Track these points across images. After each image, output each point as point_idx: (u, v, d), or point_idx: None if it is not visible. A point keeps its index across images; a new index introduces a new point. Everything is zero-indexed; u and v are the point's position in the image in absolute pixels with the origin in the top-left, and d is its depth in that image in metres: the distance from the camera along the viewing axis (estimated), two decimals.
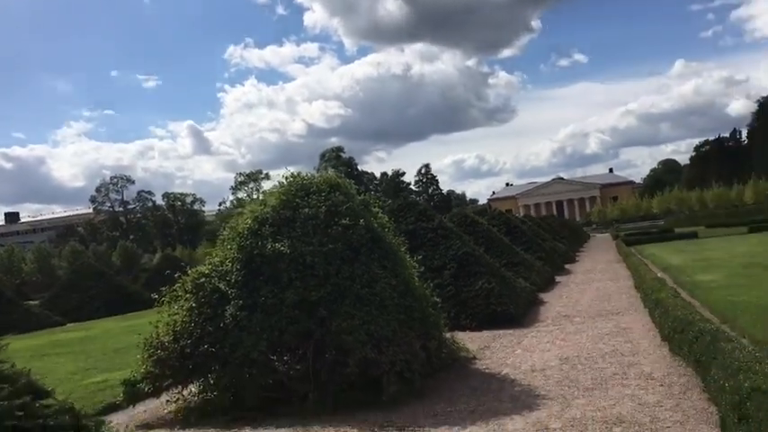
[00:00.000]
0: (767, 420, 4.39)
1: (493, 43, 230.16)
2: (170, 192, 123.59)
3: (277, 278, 8.37)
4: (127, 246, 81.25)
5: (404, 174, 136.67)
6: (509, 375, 8.89)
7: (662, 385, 7.49)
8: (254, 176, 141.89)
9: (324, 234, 8.70)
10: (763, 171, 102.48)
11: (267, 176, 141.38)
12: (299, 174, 9.77)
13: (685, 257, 24.99)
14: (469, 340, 11.61)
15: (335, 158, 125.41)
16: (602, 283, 19.42)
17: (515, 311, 13.62)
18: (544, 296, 17.45)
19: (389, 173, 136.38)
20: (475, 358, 10.25)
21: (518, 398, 7.73)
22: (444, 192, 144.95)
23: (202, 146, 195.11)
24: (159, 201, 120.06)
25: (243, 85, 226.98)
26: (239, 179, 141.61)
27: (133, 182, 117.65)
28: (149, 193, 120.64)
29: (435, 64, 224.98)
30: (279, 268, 8.39)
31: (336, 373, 8.03)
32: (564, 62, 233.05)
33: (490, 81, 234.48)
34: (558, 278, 22.52)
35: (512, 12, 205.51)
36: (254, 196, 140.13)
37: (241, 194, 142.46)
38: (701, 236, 40.35)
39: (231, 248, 8.87)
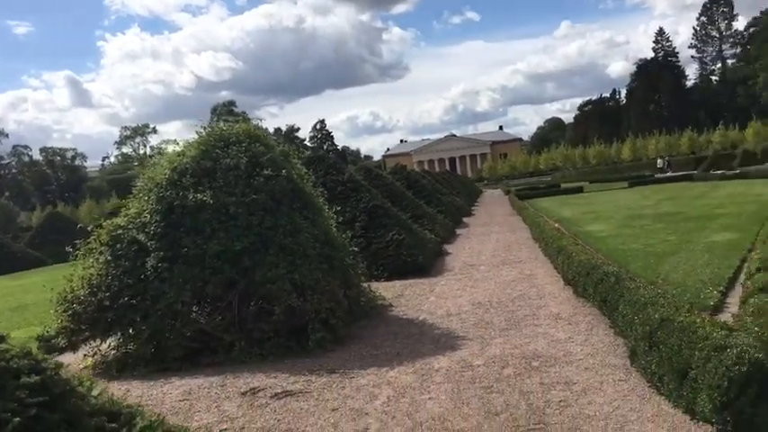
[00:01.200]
0: (676, 345, 4.91)
1: None
2: (48, 146, 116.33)
3: (199, 229, 8.28)
4: (2, 203, 76.28)
5: (298, 129, 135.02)
6: (427, 320, 9.27)
7: (570, 324, 8.09)
8: (140, 131, 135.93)
9: (246, 185, 8.65)
10: (639, 130, 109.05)
11: (154, 131, 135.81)
12: (216, 124, 9.60)
13: (575, 210, 26.49)
14: (384, 289, 11.94)
15: (228, 113, 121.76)
16: (502, 235, 20.30)
17: (424, 262, 14.09)
18: (448, 247, 18.08)
19: (283, 128, 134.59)
20: (391, 306, 10.59)
21: (439, 340, 8.12)
22: (339, 148, 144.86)
23: (82, 98, 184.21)
24: (36, 156, 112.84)
25: (125, 33, 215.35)
26: (124, 133, 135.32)
27: (6, 135, 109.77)
28: (25, 147, 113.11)
29: (328, 17, 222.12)
30: (201, 219, 8.30)
31: (262, 322, 8.12)
32: (456, 19, 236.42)
33: (384, 36, 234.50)
34: (458, 231, 23.30)
35: None
36: (141, 151, 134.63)
37: (126, 149, 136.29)
38: (587, 190, 42.71)
39: (149, 200, 8.65)
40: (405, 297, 11.33)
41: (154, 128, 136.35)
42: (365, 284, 10.74)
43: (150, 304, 7.95)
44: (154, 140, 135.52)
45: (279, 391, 6.69)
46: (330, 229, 9.74)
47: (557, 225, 15.53)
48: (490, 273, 13.01)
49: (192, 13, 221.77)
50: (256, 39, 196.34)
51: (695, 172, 46.28)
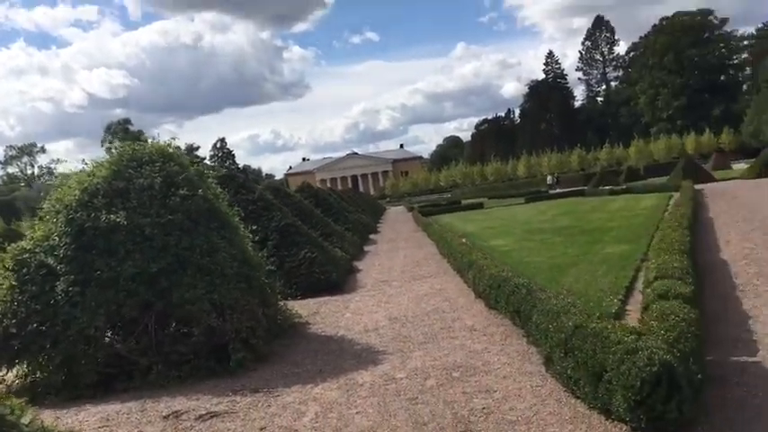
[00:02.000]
0: (591, 350, 5.28)
1: (286, 16, 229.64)
2: None
3: (113, 251, 8.04)
4: None
5: (198, 148, 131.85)
6: (346, 336, 9.38)
7: (485, 335, 8.43)
8: (26, 150, 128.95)
9: (161, 205, 8.49)
10: (532, 147, 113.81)
11: (43, 150, 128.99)
12: (126, 144, 9.37)
13: (477, 225, 27.36)
14: (299, 307, 11.93)
15: (123, 131, 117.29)
16: (409, 251, 20.71)
17: (338, 279, 14.20)
18: (359, 264, 18.27)
19: (182, 147, 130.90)
20: (308, 323, 10.63)
21: (360, 355, 8.25)
22: (240, 166, 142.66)
23: None
24: None
25: (9, 48, 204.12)
26: (10, 153, 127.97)
27: None
28: None
29: (227, 35, 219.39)
30: (114, 240, 8.06)
31: (180, 344, 7.98)
32: (356, 39, 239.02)
33: (284, 55, 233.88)
34: (366, 248, 23.55)
35: None
36: (29, 171, 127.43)
37: (12, 169, 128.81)
38: (486, 206, 44.14)
39: (57, 221, 8.31)
40: (321, 314, 11.39)
41: (42, 147, 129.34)
42: (281, 303, 10.72)
43: (61, 330, 7.64)
44: (42, 160, 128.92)
45: (203, 412, 6.61)
46: (247, 248, 9.69)
47: (464, 240, 16.04)
48: (402, 288, 13.28)
49: (82, 28, 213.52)
50: (152, 55, 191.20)
51: (586, 188, 48.76)
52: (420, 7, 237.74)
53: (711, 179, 40.07)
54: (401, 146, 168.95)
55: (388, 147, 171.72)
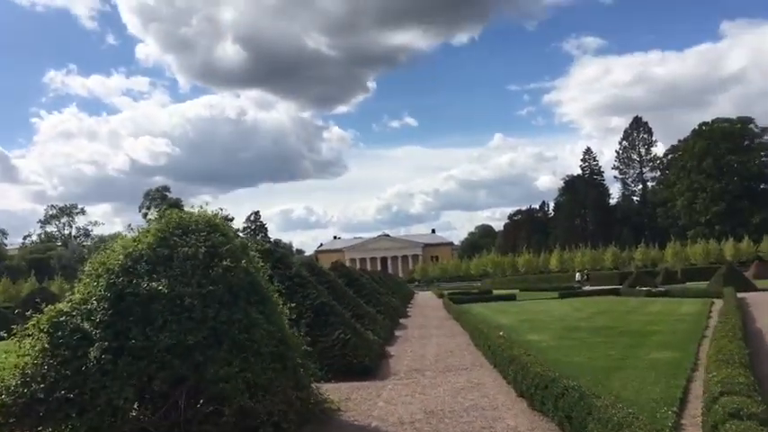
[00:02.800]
0: None
1: (329, 98, 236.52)
2: None
3: (150, 319, 7.82)
4: None
5: (232, 219, 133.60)
6: (380, 428, 8.90)
7: None
8: (67, 210, 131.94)
9: (203, 275, 8.31)
10: (565, 242, 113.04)
11: (83, 211, 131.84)
12: (174, 211, 9.31)
13: (511, 318, 26.70)
14: (330, 391, 11.49)
15: (161, 198, 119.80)
16: (441, 339, 20.15)
17: (370, 363, 13.75)
18: (390, 349, 17.76)
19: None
20: (339, 410, 10.16)
21: None
22: (272, 240, 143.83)
23: (8, 173, 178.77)
24: None
25: (61, 112, 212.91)
26: (50, 212, 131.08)
27: None
28: None
29: (270, 112, 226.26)
30: (153, 309, 7.85)
31: (209, 423, 7.61)
32: (395, 124, 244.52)
33: (324, 135, 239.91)
34: (396, 332, 23.02)
35: (349, 70, 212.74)
36: (66, 231, 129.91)
37: (51, 228, 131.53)
38: (519, 298, 43.32)
39: (98, 285, 8.15)
40: (353, 401, 10.91)
41: (82, 208, 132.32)
42: (313, 386, 10.30)
43: (89, 399, 7.34)
44: (81, 221, 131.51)
45: None
46: (284, 325, 9.41)
47: (501, 333, 15.52)
48: (437, 379, 12.75)
49: (133, 98, 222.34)
50: (196, 126, 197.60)
51: (620, 287, 47.71)
52: (459, 97, 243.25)
53: (753, 288, 38.90)
54: (433, 231, 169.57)
55: (420, 231, 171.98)
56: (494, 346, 13.51)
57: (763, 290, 39.04)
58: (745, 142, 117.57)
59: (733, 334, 12.05)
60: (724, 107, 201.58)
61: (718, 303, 29.68)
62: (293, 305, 14.12)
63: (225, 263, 8.49)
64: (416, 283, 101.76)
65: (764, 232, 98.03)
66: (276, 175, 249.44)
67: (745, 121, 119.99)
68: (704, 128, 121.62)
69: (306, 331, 13.62)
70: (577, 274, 74.78)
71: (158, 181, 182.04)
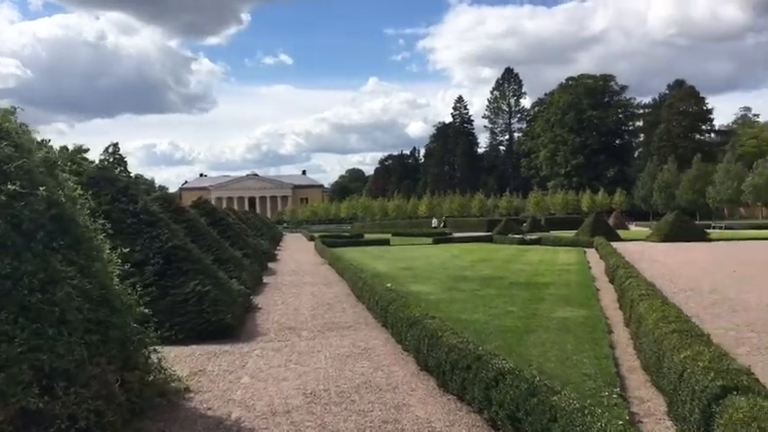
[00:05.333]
0: None
1: (199, 27, 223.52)
2: None
3: None
4: None
5: (87, 150, 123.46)
6: (243, 422, 6.48)
7: None
8: None
9: None
10: (434, 188, 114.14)
11: None
12: None
13: (389, 264, 24.93)
14: (179, 359, 8.96)
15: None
16: (317, 288, 17.92)
17: (233, 321, 11.22)
18: (258, 300, 15.27)
19: (70, 147, 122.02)
20: (188, 390, 7.64)
21: None
22: (132, 176, 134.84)
23: None
24: None
25: None
26: None
27: None
28: None
29: (133, 38, 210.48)
30: None
31: None
32: (269, 60, 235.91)
33: (192, 66, 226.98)
34: (265, 279, 20.53)
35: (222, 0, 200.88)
36: None
37: None
38: (392, 243, 41.89)
39: None
40: (207, 374, 8.41)
41: None
42: (154, 356, 7.63)
43: None
44: None
45: None
46: (110, 280, 6.67)
47: (390, 285, 13.48)
48: (316, 341, 10.48)
49: None
50: (50, 48, 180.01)
51: (491, 234, 47.63)
52: (336, 39, 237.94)
53: (617, 238, 39.68)
54: (303, 172, 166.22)
55: (290, 172, 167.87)
56: (383, 302, 11.38)
57: (630, 239, 40.04)
58: (606, 99, 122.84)
59: (652, 292, 10.62)
60: (587, 65, 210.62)
61: (590, 252, 29.65)
62: (138, 248, 11.38)
63: (12, 186, 5.59)
64: (285, 224, 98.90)
65: (618, 185, 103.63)
66: (139, 107, 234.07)
67: (607, 79, 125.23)
68: (570, 83, 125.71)
69: (153, 281, 10.90)
70: (434, 220, 75.02)
71: (5, 105, 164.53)
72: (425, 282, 18.40)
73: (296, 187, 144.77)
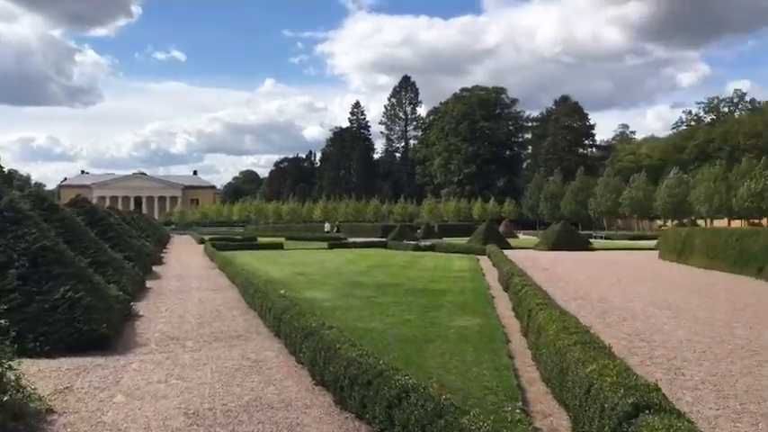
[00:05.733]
0: None
1: (84, 17, 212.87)
2: None
3: None
4: None
5: None
6: None
7: None
8: None
9: None
10: (330, 192, 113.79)
11: None
12: None
13: (283, 269, 24.19)
14: (42, 375, 7.98)
15: None
16: (205, 294, 16.97)
17: (108, 331, 10.22)
18: (139, 307, 14.17)
19: None
20: (51, 411, 6.74)
21: None
22: (6, 171, 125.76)
23: None
24: None
25: None
26: None
27: None
28: None
29: (12, 25, 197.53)
30: None
31: None
32: (160, 56, 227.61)
33: (76, 58, 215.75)
34: (148, 283, 19.28)
35: None
36: None
37: None
38: (286, 247, 41.01)
39: None
40: (74, 392, 7.49)
41: None
42: (11, 373, 6.67)
43: None
44: None
45: None
46: None
47: (283, 292, 12.83)
48: (202, 353, 9.71)
49: None
50: None
51: (385, 239, 47.70)
52: (232, 37, 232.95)
53: (508, 246, 40.68)
54: (194, 172, 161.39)
55: (180, 172, 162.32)
56: (276, 310, 10.75)
57: (519, 248, 41.10)
58: (497, 111, 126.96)
59: (551, 302, 10.60)
60: (480, 77, 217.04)
61: (483, 259, 30.11)
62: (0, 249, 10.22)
63: None
64: (173, 226, 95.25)
65: (507, 195, 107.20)
66: (16, 97, 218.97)
67: (499, 91, 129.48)
68: (464, 93, 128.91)
69: (15, 286, 9.80)
70: (327, 224, 74.67)
71: None
72: (320, 288, 17.87)
73: (186, 188, 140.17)
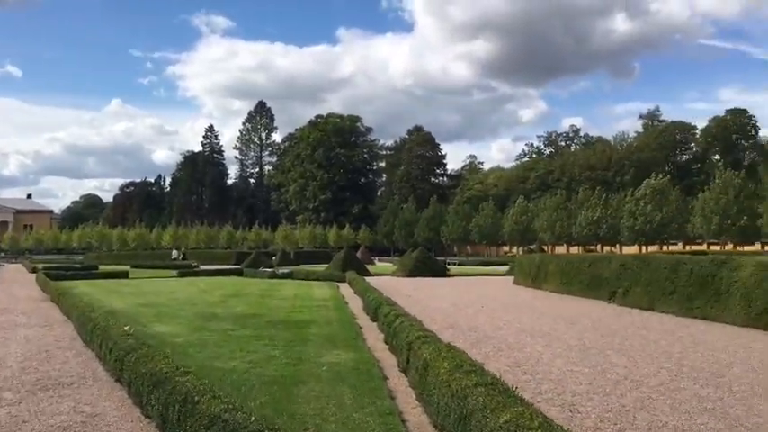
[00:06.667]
0: None
1: None
2: None
3: None
4: None
5: None
6: None
7: None
8: None
9: None
10: (180, 218, 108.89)
11: None
12: None
13: (128, 300, 21.96)
14: None
15: None
16: (32, 331, 14.70)
17: None
18: None
19: None
20: None
21: None
22: None
23: None
24: None
25: None
26: None
27: None
28: None
29: None
30: None
31: None
32: None
33: None
34: None
35: None
36: None
37: None
38: (132, 276, 37.96)
39: None
40: None
41: None
42: None
43: None
44: None
45: None
46: None
47: (128, 328, 11.14)
48: (23, 406, 7.93)
49: None
50: None
51: (240, 267, 45.73)
52: (75, 54, 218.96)
53: (367, 273, 40.20)
54: (29, 196, 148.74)
55: (13, 195, 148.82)
56: (118, 350, 9.16)
57: (378, 274, 40.76)
58: (353, 138, 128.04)
59: (433, 335, 9.84)
60: (336, 105, 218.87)
61: (343, 287, 29.35)
62: None
63: None
64: (2, 254, 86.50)
65: (362, 222, 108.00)
66: None
67: (354, 120, 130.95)
68: (319, 120, 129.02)
69: None
70: (174, 252, 71.05)
71: None
72: (170, 321, 16.13)
73: (19, 212, 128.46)
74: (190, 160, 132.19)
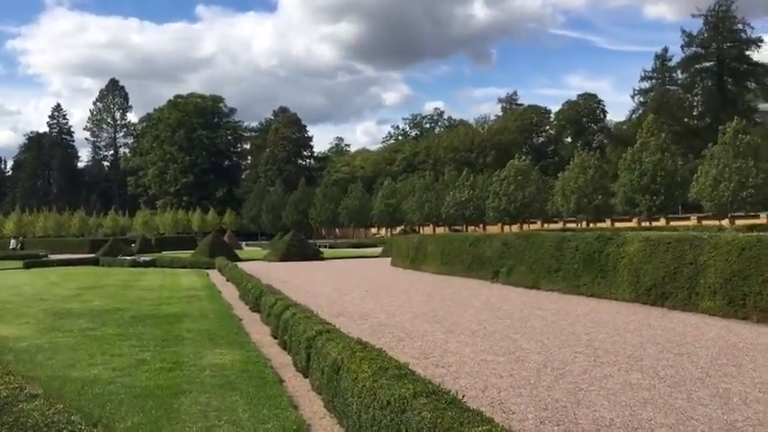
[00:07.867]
0: None
1: None
2: None
3: None
4: None
5: None
6: None
7: None
8: None
9: None
10: (25, 204, 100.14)
11: None
12: None
13: None
14: None
15: None
16: None
17: None
18: None
19: None
20: None
21: None
22: None
23: None
24: None
25: None
26: None
27: None
28: None
29: None
30: None
31: None
32: None
33: None
34: None
35: None
36: None
37: None
38: None
39: None
40: None
41: None
42: None
43: None
44: None
45: None
46: None
47: None
48: None
49: None
50: None
51: (95, 255, 42.13)
52: None
53: (237, 258, 38.23)
54: None
55: None
56: None
57: (248, 259, 38.90)
58: (215, 120, 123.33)
59: (337, 329, 8.62)
60: (196, 86, 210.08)
61: (213, 274, 27.54)
62: None
63: None
64: None
65: (227, 205, 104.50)
66: None
67: (217, 100, 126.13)
68: (179, 100, 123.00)
69: None
70: (12, 241, 64.89)
71: None
72: (14, 321, 13.79)
73: None
74: (35, 141, 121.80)
